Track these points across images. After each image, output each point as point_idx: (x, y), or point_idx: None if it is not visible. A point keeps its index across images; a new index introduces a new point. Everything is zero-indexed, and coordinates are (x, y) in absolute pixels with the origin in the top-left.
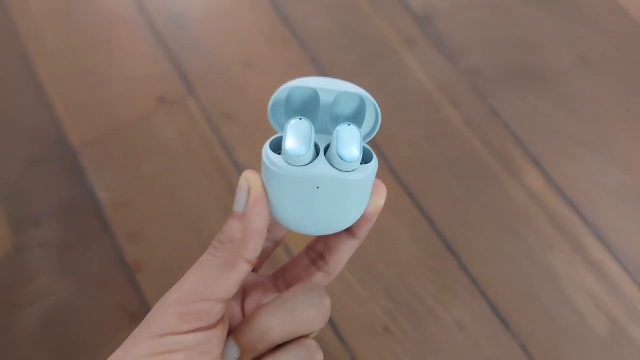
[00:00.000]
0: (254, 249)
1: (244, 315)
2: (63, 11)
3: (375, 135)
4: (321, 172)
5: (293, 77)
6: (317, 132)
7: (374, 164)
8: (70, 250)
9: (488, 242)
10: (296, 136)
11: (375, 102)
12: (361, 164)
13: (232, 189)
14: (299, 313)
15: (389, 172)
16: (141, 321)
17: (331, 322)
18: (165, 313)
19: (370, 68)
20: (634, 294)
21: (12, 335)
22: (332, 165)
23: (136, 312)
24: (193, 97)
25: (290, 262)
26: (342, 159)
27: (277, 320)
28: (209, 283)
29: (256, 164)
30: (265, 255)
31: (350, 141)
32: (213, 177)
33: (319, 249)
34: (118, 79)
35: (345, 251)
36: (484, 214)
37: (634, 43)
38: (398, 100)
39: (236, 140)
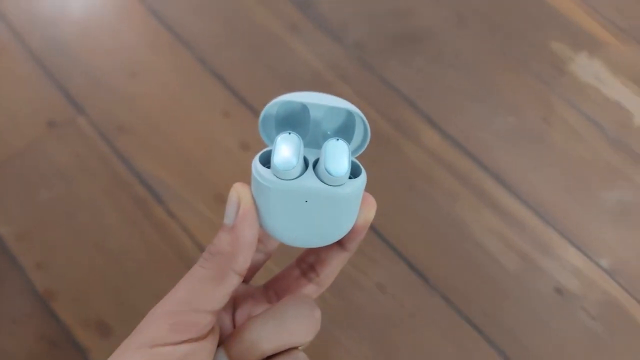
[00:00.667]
0: (244, 261)
1: (234, 326)
2: None
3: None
4: (309, 186)
5: (181, 81)
6: (307, 146)
7: (363, 178)
8: None
9: (396, 204)
10: (285, 150)
11: (364, 118)
12: (350, 177)
13: (136, 200)
14: (288, 325)
15: None
16: (63, 350)
17: None
18: (155, 323)
19: (259, 59)
20: (538, 228)
21: None
22: (320, 179)
23: (56, 340)
24: (83, 116)
25: (280, 273)
26: (329, 173)
27: (266, 331)
28: (199, 294)
29: (160, 170)
30: (256, 267)
31: (338, 156)
32: (114, 192)
33: (309, 261)
34: (2, 110)
35: (336, 263)
36: (388, 179)
37: None
38: (290, 84)
39: (133, 150)
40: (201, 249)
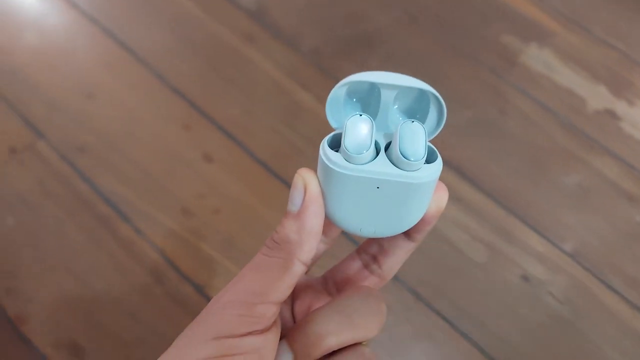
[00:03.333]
0: (309, 250)
1: (293, 319)
2: None
3: (234, 132)
4: (383, 171)
5: (139, 98)
6: (377, 129)
7: (439, 163)
8: None
9: None
10: (356, 133)
11: (440, 97)
12: (425, 163)
13: (101, 219)
14: (356, 319)
15: (255, 162)
16: None
17: None
18: (223, 314)
19: (217, 71)
20: (500, 216)
21: None
22: (393, 164)
23: None
24: (43, 140)
25: (340, 263)
26: (405, 157)
27: (333, 326)
28: (265, 284)
29: (123, 188)
30: (316, 256)
31: (414, 139)
32: (78, 213)
33: (372, 251)
34: None
35: (401, 254)
36: None
37: None
38: (251, 94)
39: (95, 170)
40: (171, 263)
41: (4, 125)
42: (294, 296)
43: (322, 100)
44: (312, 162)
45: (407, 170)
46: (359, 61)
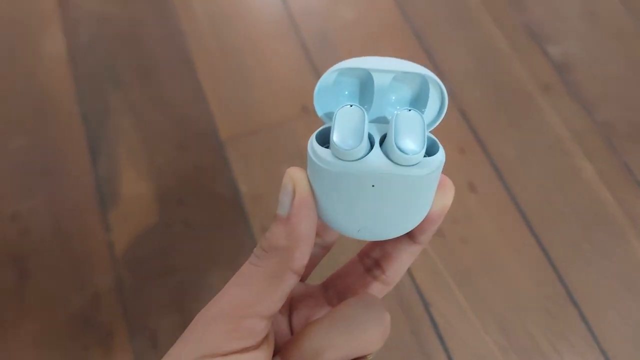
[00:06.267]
0: (301, 257)
1: (291, 331)
2: (223, 16)
3: (504, 172)
4: (377, 167)
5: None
6: (371, 120)
7: (441, 155)
8: (208, 232)
9: (610, 297)
10: (346, 126)
11: (440, 82)
12: (425, 156)
13: None
14: (357, 332)
15: (515, 208)
16: None
17: (444, 346)
18: (210, 329)
19: (505, 108)
20: None
21: (144, 302)
22: (389, 158)
23: None
24: None
25: (341, 270)
26: (401, 151)
27: (331, 340)
28: (254, 296)
29: None
30: (313, 263)
31: (411, 130)
32: None
33: (374, 256)
34: (266, 84)
35: (405, 258)
36: (608, 269)
37: None
38: (531, 141)
39: None
40: (407, 270)
41: (303, 84)
42: (291, 307)
43: (604, 175)
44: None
45: (405, 165)
46: None
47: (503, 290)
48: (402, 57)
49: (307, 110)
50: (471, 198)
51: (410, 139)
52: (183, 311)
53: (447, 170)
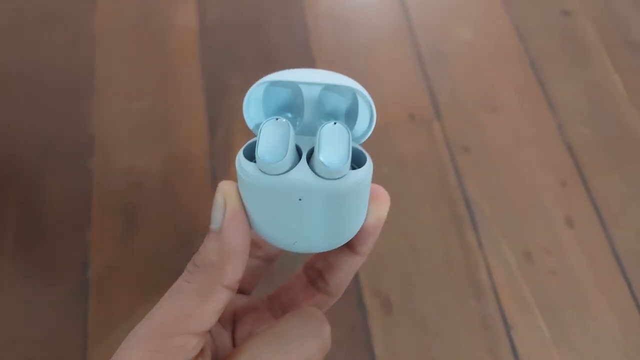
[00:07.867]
0: (234, 272)
1: (234, 345)
2: (345, 18)
3: (604, 212)
4: (300, 181)
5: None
6: (302, 133)
7: (368, 167)
8: None
9: None
10: (271, 139)
11: (367, 95)
12: (353, 168)
13: (454, 214)
14: (293, 346)
15: (610, 251)
16: None
17: None
18: (134, 350)
19: (611, 147)
20: None
21: None
22: (314, 172)
23: None
24: (439, 122)
25: (287, 282)
26: (324, 164)
27: (267, 354)
28: (183, 313)
29: (484, 200)
30: (256, 275)
31: (335, 142)
32: (437, 196)
33: (318, 267)
34: (376, 88)
35: (347, 269)
36: None
37: None
38: (633, 187)
39: (468, 172)
40: (493, 289)
41: (413, 92)
42: (234, 320)
43: None
44: None
45: (330, 179)
46: None
47: (587, 329)
48: (515, 84)
49: (414, 118)
50: (567, 232)
51: (334, 151)
52: None
53: (546, 201)
